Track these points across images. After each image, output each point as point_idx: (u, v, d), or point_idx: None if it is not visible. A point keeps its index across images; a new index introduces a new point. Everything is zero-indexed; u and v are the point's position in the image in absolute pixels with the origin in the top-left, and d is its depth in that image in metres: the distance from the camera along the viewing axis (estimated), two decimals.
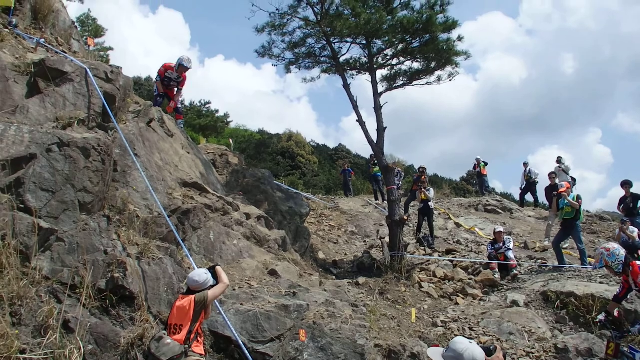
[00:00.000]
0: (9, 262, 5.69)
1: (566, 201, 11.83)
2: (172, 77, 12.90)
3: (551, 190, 14.55)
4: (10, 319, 5.39)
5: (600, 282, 10.29)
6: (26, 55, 8.56)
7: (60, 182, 6.79)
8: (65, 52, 9.42)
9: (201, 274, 5.89)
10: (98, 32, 30.92)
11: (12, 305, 5.50)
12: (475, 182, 31.59)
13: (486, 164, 23.80)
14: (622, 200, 13.82)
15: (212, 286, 5.91)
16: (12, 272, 5.65)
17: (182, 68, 12.73)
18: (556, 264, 11.95)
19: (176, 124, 12.87)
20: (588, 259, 11.48)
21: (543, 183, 19.73)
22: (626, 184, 13.85)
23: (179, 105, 13.73)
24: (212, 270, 6.12)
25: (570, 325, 9.42)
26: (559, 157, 18.66)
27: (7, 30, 8.89)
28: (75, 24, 13.93)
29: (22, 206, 6.35)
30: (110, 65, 9.55)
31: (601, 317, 7.48)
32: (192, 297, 5.65)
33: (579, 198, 11.98)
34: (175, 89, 13.22)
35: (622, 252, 7.04)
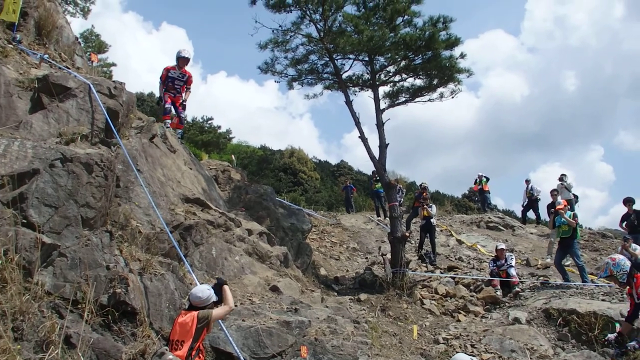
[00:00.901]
0: (11, 277, 5.67)
1: (562, 219, 11.85)
2: (176, 75, 12.42)
3: (553, 207, 14.59)
4: (12, 334, 5.37)
5: (603, 300, 10.23)
6: (30, 70, 8.61)
7: (63, 198, 6.79)
8: (69, 68, 9.48)
9: (204, 290, 5.87)
10: (101, 48, 31.16)
11: (14, 320, 5.48)
12: (477, 198, 31.57)
13: (488, 179, 23.84)
14: (625, 218, 13.80)
15: (214, 302, 5.88)
16: (15, 287, 5.63)
17: (182, 61, 12.36)
18: (558, 281, 11.92)
19: (175, 133, 12.46)
20: (589, 275, 11.45)
21: (545, 200, 19.75)
22: (629, 202, 13.86)
23: (182, 115, 13.08)
24: (219, 287, 6.08)
25: (572, 342, 9.36)
26: (562, 175, 18.66)
27: (11, 45, 8.95)
28: (79, 39, 14.04)
29: (24, 221, 6.33)
30: (114, 81, 9.56)
31: (611, 336, 7.43)
32: (195, 313, 5.62)
33: (575, 216, 12.04)
34: (183, 94, 12.67)
35: (628, 263, 7.05)
